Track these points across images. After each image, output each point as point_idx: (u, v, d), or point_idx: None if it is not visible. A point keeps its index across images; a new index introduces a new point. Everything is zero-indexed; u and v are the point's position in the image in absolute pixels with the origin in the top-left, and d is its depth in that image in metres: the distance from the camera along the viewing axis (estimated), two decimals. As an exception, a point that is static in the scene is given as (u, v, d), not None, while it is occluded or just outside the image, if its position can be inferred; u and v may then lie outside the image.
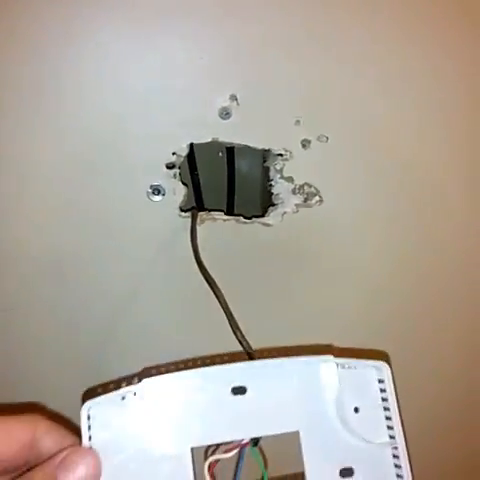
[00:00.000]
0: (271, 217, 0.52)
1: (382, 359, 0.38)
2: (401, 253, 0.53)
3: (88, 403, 0.32)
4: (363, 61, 0.48)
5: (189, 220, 0.50)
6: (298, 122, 0.47)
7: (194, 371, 0.34)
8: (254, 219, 0.52)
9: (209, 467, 0.34)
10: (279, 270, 0.52)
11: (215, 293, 0.43)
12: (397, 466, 0.36)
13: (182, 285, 0.50)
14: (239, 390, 0.36)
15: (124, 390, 0.33)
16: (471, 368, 0.57)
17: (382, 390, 0.37)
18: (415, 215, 0.52)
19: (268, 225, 0.52)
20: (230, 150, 0.58)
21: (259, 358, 0.36)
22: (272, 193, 0.53)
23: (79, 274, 0.49)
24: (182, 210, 0.51)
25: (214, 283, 0.44)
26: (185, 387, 0.35)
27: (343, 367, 0.37)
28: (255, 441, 0.36)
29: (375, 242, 0.53)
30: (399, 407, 0.37)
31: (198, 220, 0.50)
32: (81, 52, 0.44)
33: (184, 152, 0.48)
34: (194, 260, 0.46)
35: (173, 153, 0.47)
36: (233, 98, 0.47)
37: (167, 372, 0.34)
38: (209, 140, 0.47)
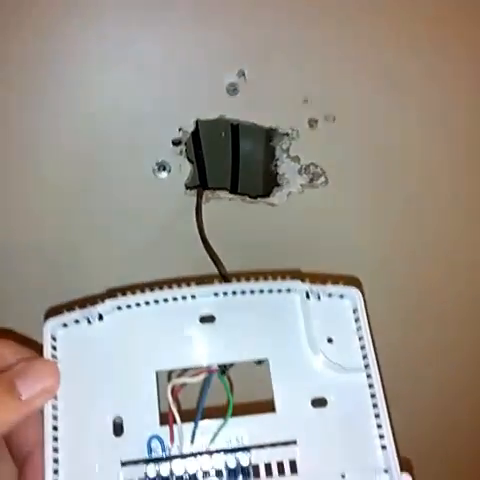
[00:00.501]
0: (276, 197, 0.52)
1: (355, 285, 0.36)
2: (404, 237, 0.51)
3: (50, 321, 0.33)
4: (372, 42, 0.47)
5: (194, 198, 0.50)
6: (306, 101, 0.46)
7: (160, 294, 0.34)
8: (259, 199, 0.52)
9: (173, 391, 0.33)
10: (282, 250, 0.51)
11: (220, 271, 0.43)
12: (372, 396, 0.34)
13: (187, 263, 0.50)
14: (207, 319, 0.35)
15: (88, 310, 0.33)
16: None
17: (356, 319, 0.36)
18: (421, 198, 0.50)
19: (273, 205, 0.51)
20: (235, 128, 0.58)
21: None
22: (277, 173, 0.52)
23: (82, 253, 0.49)
24: (188, 188, 0.51)
25: (219, 261, 0.44)
26: (151, 311, 0.34)
27: (313, 294, 0.35)
28: (223, 369, 0.35)
29: (379, 225, 0.51)
30: (372, 335, 0.35)
31: (203, 198, 0.50)
32: (85, 26, 0.44)
33: (191, 128, 0.48)
34: (199, 238, 0.47)
35: (179, 129, 0.47)
36: (241, 74, 0.47)
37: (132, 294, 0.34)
38: (216, 117, 0.47)
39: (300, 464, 0.33)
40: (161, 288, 0.35)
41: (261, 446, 0.33)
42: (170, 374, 0.35)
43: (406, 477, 0.33)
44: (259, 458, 0.33)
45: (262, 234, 0.51)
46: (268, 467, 0.33)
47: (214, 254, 0.45)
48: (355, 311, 0.36)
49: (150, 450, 0.32)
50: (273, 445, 0.33)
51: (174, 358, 0.34)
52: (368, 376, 0.35)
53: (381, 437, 0.33)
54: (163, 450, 0.32)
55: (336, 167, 0.50)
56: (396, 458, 0.32)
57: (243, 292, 0.35)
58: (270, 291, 0.36)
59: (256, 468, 0.33)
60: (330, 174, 0.51)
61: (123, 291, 0.34)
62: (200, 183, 0.56)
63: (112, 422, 0.33)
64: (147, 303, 0.35)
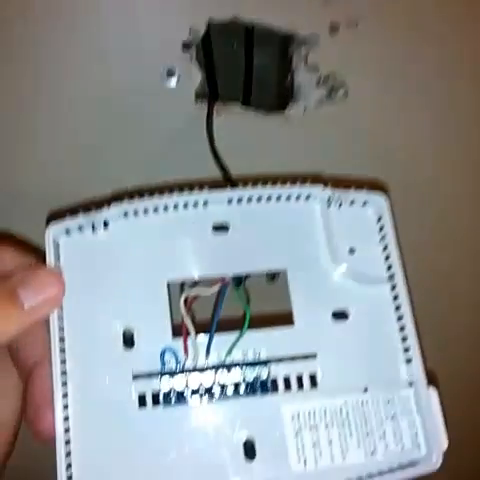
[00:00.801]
0: (291, 112, 0.48)
1: (380, 191, 0.33)
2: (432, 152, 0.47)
3: (53, 227, 0.29)
4: None
5: (204, 109, 0.46)
6: (327, 2, 0.41)
7: (170, 200, 0.31)
8: (273, 113, 0.48)
9: (185, 302, 0.30)
10: (296, 167, 0.47)
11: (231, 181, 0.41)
12: (397, 307, 0.32)
13: (197, 177, 0.46)
14: (220, 228, 0.32)
15: (92, 216, 0.30)
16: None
17: (380, 227, 0.33)
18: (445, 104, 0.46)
19: (288, 120, 0.47)
20: (249, 34, 0.53)
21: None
22: (293, 85, 0.48)
23: (91, 164, 0.45)
24: (198, 97, 0.46)
25: (229, 175, 0.42)
26: (160, 219, 0.31)
27: (335, 201, 0.32)
28: (238, 280, 0.32)
29: (399, 142, 0.47)
30: (399, 244, 0.32)
31: (214, 111, 0.46)
32: None
33: (202, 29, 0.43)
34: (210, 152, 0.43)
35: (190, 30, 0.42)
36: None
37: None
38: (229, 16, 0.41)
39: (320, 378, 0.31)
40: (171, 192, 0.31)
41: (280, 360, 0.31)
42: (182, 286, 0.32)
43: (432, 391, 0.31)
44: (277, 372, 0.31)
45: (275, 151, 0.47)
46: (287, 381, 0.31)
47: (224, 168, 0.42)
48: (380, 219, 0.33)
49: (163, 363, 0.30)
50: (292, 359, 0.31)
51: (186, 269, 0.31)
52: (393, 287, 0.32)
53: (406, 350, 0.31)
54: (177, 363, 0.30)
55: (357, 78, 0.46)
56: (422, 371, 0.30)
57: (259, 199, 0.32)
58: (288, 198, 0.33)
59: (274, 382, 0.31)
60: (351, 86, 0.46)
61: (130, 194, 0.31)
62: (210, 94, 0.51)
63: (122, 334, 0.30)
64: (156, 210, 0.32)
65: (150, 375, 0.30)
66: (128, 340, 0.31)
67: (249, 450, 0.30)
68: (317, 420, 0.30)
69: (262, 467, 0.29)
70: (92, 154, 0.45)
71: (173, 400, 0.29)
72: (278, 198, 0.33)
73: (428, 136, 0.50)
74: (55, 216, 0.30)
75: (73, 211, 0.31)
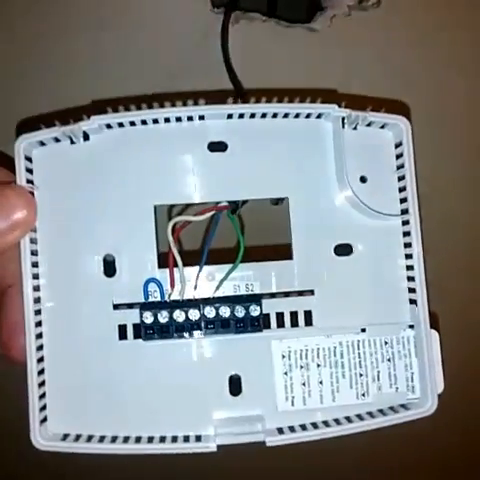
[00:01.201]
0: (318, 22, 0.41)
1: (402, 113, 0.28)
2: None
3: (24, 138, 0.25)
4: None
5: (221, 17, 0.40)
6: None
7: (160, 112, 0.26)
8: (297, 24, 0.41)
9: (174, 230, 0.27)
10: (319, 84, 0.41)
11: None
12: (407, 245, 0.28)
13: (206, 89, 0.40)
14: (218, 146, 0.28)
15: (70, 128, 0.25)
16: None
17: (398, 155, 0.28)
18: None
19: (313, 30, 0.41)
20: None
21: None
22: None
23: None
24: (214, 6, 0.41)
25: (242, 89, 0.37)
26: (149, 133, 0.27)
27: (350, 121, 0.27)
28: (234, 207, 0.28)
29: (432, 58, 0.40)
30: (416, 177, 0.28)
31: (232, 18, 0.40)
32: None
33: None
34: (224, 66, 0.39)
35: None
36: None
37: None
38: None
39: (316, 316, 0.28)
40: (162, 105, 0.27)
41: (274, 295, 0.28)
42: (171, 211, 0.29)
43: (434, 334, 0.28)
44: (271, 308, 0.28)
45: (296, 65, 0.41)
46: (280, 318, 0.28)
47: (238, 82, 0.37)
48: (399, 145, 0.28)
49: (147, 294, 0.27)
50: (287, 294, 0.28)
51: (176, 191, 0.28)
52: (405, 223, 0.29)
53: (412, 291, 0.28)
54: (162, 295, 0.27)
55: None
56: (426, 313, 0.28)
57: (263, 115, 0.28)
58: (297, 115, 0.28)
59: (267, 318, 0.28)
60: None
61: (114, 106, 0.27)
62: (229, 2, 0.44)
63: (102, 260, 0.27)
64: (144, 122, 0.27)
65: (132, 305, 0.28)
66: (109, 267, 0.28)
67: (235, 386, 0.28)
68: (309, 359, 0.28)
69: (246, 403, 0.28)
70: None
71: (156, 334, 0.27)
72: (285, 115, 0.28)
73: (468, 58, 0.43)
74: (27, 126, 0.26)
75: (48, 121, 0.26)
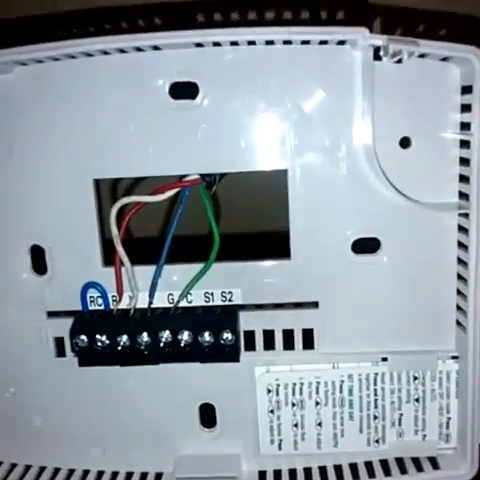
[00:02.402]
0: None
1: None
2: None
3: None
4: None
5: None
6: None
7: (109, 40, 0.16)
8: None
9: (121, 216, 0.18)
10: None
11: None
12: (461, 245, 0.18)
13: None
14: (183, 90, 0.18)
15: None
16: None
17: (464, 106, 0.17)
18: None
19: None
20: None
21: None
22: None
23: None
24: None
25: None
26: (93, 68, 0.17)
27: (389, 52, 0.16)
28: (207, 183, 0.19)
29: None
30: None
31: None
32: None
33: None
34: None
35: None
36: None
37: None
38: None
39: (319, 335, 0.20)
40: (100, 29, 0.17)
41: (260, 306, 0.20)
42: (115, 188, 0.20)
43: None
44: (255, 323, 0.20)
45: None
46: (268, 337, 0.20)
47: None
48: (467, 91, 0.17)
49: (86, 302, 0.19)
50: (280, 306, 0.20)
51: (123, 160, 0.19)
52: (461, 215, 0.18)
53: (461, 310, 0.20)
54: (106, 304, 0.19)
55: None
56: (476, 342, 0.19)
57: (251, 43, 0.17)
58: (305, 42, 0.17)
59: (250, 336, 0.20)
60: None
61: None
62: None
63: (29, 252, 0.19)
64: (88, 55, 0.17)
65: (71, 313, 0.20)
66: (39, 262, 0.20)
67: (207, 416, 0.21)
68: (305, 395, 0.20)
69: (221, 438, 0.21)
70: None
71: (93, 361, 0.19)
72: (287, 42, 0.17)
73: None
74: None
75: None
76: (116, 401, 0.21)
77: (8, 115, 0.19)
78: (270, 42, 0.18)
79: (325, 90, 0.19)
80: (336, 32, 0.17)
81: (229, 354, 0.20)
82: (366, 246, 0.20)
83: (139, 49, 0.18)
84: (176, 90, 0.19)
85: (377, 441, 0.21)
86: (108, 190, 0.22)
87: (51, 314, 0.21)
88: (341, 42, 0.18)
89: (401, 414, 0.21)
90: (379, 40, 0.17)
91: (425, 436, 0.21)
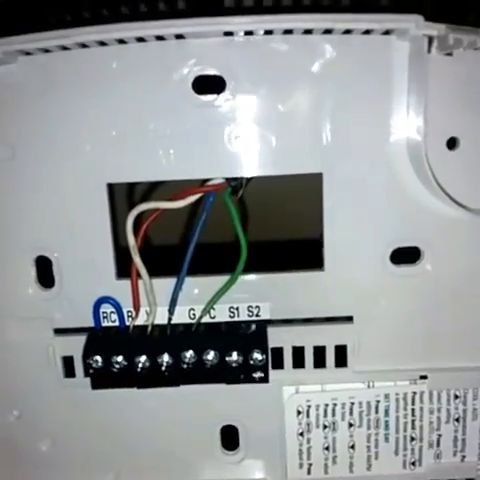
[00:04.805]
0: None
1: None
2: None
3: None
4: None
5: None
6: None
7: (119, 28, 0.14)
8: None
9: (139, 223, 0.16)
10: None
11: None
12: None
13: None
14: (209, 84, 0.15)
15: None
16: None
17: None
18: None
19: None
20: None
21: None
22: None
23: None
24: None
25: None
26: (103, 60, 0.15)
27: (442, 43, 0.14)
28: (234, 188, 0.16)
29: None
30: None
31: None
32: None
33: None
34: None
35: None
36: None
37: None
38: None
39: (353, 353, 0.18)
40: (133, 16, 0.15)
41: (290, 321, 0.18)
42: (132, 193, 0.18)
43: None
44: (285, 339, 0.18)
45: None
46: (298, 353, 0.18)
47: None
48: None
49: (98, 319, 0.17)
50: (311, 321, 0.18)
51: (140, 163, 0.16)
52: None
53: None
54: (121, 320, 0.17)
55: None
56: None
57: (288, 32, 0.15)
58: (347, 31, 0.15)
59: (278, 353, 0.18)
60: None
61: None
62: None
63: (34, 264, 0.17)
64: (102, 44, 0.15)
65: (80, 330, 0.18)
66: (45, 275, 0.18)
67: (229, 439, 0.19)
68: (338, 416, 0.18)
69: (244, 463, 0.19)
70: None
71: (109, 383, 0.17)
72: (327, 31, 0.15)
73: None
74: None
75: None
76: (130, 423, 0.20)
77: (9, 111, 0.17)
78: (308, 31, 0.16)
79: (366, 85, 0.17)
80: (386, 20, 0.15)
81: (258, 376, 0.18)
82: (406, 256, 0.18)
83: (160, 38, 0.16)
84: (201, 84, 0.17)
85: (413, 463, 0.19)
86: (124, 196, 0.19)
87: (58, 331, 0.19)
88: (387, 31, 0.16)
89: (439, 435, 0.19)
90: (435, 29, 0.15)
91: (464, 457, 0.19)
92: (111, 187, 0.18)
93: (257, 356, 0.17)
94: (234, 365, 0.18)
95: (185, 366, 0.17)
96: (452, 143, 0.17)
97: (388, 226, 0.18)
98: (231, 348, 0.17)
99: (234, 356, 0.18)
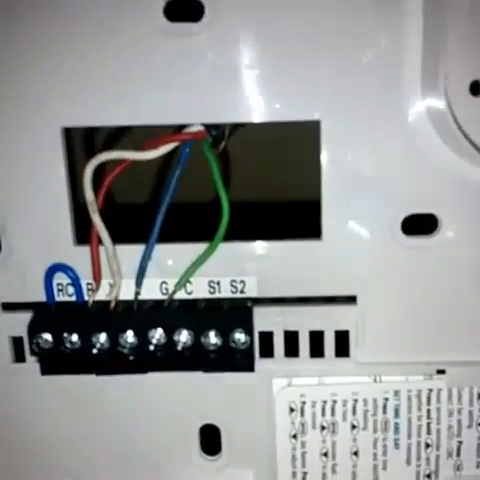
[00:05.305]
0: None
1: None
2: None
3: None
4: None
5: None
6: None
7: None
8: None
9: (101, 178, 0.13)
10: None
11: None
12: None
13: None
14: (184, 10, 0.12)
15: None
16: None
17: None
18: None
19: None
20: None
21: None
22: None
23: None
24: None
25: None
26: None
27: None
28: (215, 137, 0.13)
29: None
30: None
31: None
32: None
33: None
34: None
35: None
36: None
37: None
38: None
39: (357, 341, 0.15)
40: None
41: (281, 300, 0.15)
42: (92, 141, 0.15)
43: None
44: (276, 322, 0.15)
45: None
46: (291, 339, 0.15)
47: None
48: None
49: (51, 292, 0.14)
50: (306, 301, 0.15)
51: (104, 103, 0.13)
52: None
53: None
54: (78, 295, 0.14)
55: None
56: None
57: None
58: None
59: (267, 339, 0.15)
60: None
61: None
62: None
63: None
64: None
65: (31, 306, 0.15)
66: None
67: (210, 442, 0.16)
68: (338, 416, 0.15)
69: (227, 469, 0.16)
70: None
71: (60, 367, 0.14)
72: None
73: None
74: None
75: None
76: (91, 420, 0.16)
77: None
78: None
79: (371, 19, 0.14)
80: None
81: (241, 361, 0.15)
82: (420, 227, 0.15)
83: None
84: (174, 9, 0.14)
85: (429, 475, 0.16)
86: (82, 143, 0.16)
87: (6, 307, 0.16)
88: None
89: (460, 442, 0.16)
90: None
91: (489, 470, 0.16)
92: (68, 133, 0.15)
93: (239, 337, 0.14)
94: (211, 348, 0.14)
95: (152, 348, 0.14)
96: (477, 88, 0.14)
97: (398, 188, 0.15)
98: (208, 327, 0.14)
99: (211, 337, 0.14)
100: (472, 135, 0.14)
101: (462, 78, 0.14)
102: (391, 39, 0.14)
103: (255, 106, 0.15)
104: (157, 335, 0.15)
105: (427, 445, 0.16)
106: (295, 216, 0.16)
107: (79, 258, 0.15)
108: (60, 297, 0.16)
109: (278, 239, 0.15)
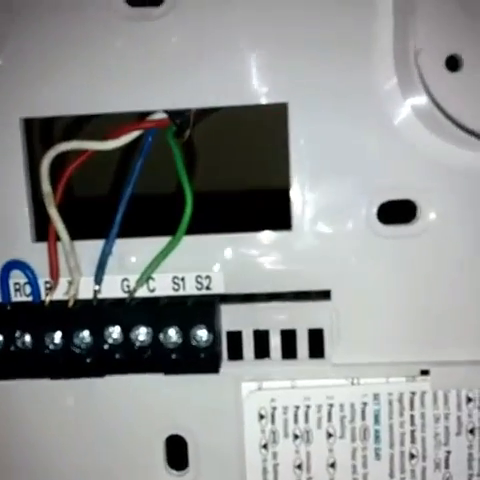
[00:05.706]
0: None
1: None
2: None
3: None
4: None
5: None
6: None
7: None
8: None
9: (60, 170, 0.12)
10: None
11: None
12: None
13: None
14: None
15: None
16: None
17: None
18: None
19: None
20: None
21: None
22: None
23: None
24: None
25: None
26: None
27: None
28: (178, 125, 0.13)
29: None
30: None
31: None
32: None
33: None
34: None
35: None
36: None
37: None
38: None
39: (332, 340, 0.14)
40: None
41: (250, 297, 0.14)
42: (50, 133, 0.14)
43: None
44: (244, 321, 0.14)
45: None
46: (262, 340, 0.14)
47: None
48: None
49: (7, 290, 0.13)
50: (277, 297, 0.14)
51: (63, 92, 0.13)
52: None
53: None
54: (35, 294, 0.13)
55: None
56: None
57: None
58: None
59: (235, 339, 0.14)
60: None
61: None
62: None
63: None
64: None
65: None
66: None
67: (176, 455, 0.15)
68: (312, 423, 0.14)
69: None
70: None
71: (13, 371, 0.13)
72: None
73: None
74: None
75: None
76: (43, 429, 0.15)
77: None
78: None
79: None
80: None
81: (204, 362, 0.13)
82: (398, 213, 0.14)
83: None
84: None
85: (415, 489, 0.14)
86: (40, 135, 0.16)
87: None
88: None
89: (448, 452, 0.14)
90: None
91: (481, 483, 0.14)
92: (28, 124, 0.14)
93: (201, 335, 0.13)
94: (171, 347, 0.13)
95: (107, 347, 0.13)
96: (453, 63, 0.14)
97: (373, 172, 0.14)
98: (167, 323, 0.13)
99: (171, 335, 0.13)
100: (452, 112, 0.13)
101: (436, 53, 0.13)
102: (361, 17, 0.14)
103: (220, 90, 0.14)
104: (114, 334, 0.14)
105: (412, 455, 0.15)
106: (263, 206, 0.15)
107: (38, 256, 0.15)
108: (17, 297, 0.15)
109: (246, 231, 0.15)
